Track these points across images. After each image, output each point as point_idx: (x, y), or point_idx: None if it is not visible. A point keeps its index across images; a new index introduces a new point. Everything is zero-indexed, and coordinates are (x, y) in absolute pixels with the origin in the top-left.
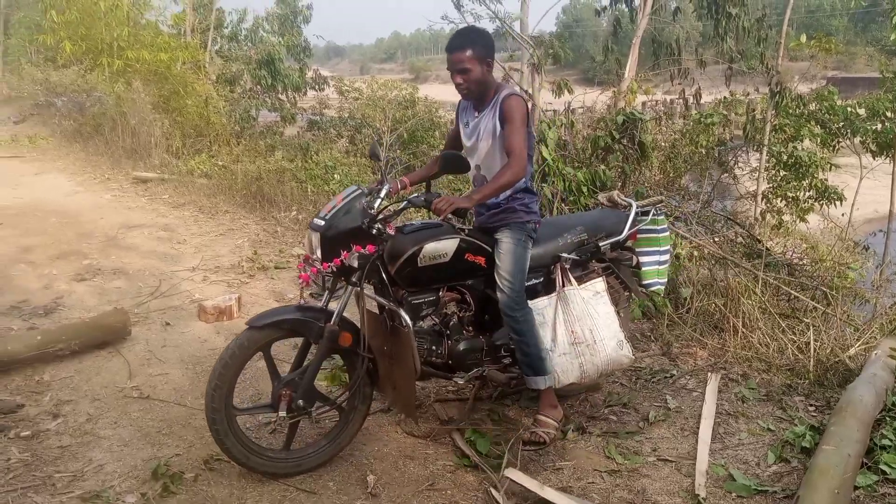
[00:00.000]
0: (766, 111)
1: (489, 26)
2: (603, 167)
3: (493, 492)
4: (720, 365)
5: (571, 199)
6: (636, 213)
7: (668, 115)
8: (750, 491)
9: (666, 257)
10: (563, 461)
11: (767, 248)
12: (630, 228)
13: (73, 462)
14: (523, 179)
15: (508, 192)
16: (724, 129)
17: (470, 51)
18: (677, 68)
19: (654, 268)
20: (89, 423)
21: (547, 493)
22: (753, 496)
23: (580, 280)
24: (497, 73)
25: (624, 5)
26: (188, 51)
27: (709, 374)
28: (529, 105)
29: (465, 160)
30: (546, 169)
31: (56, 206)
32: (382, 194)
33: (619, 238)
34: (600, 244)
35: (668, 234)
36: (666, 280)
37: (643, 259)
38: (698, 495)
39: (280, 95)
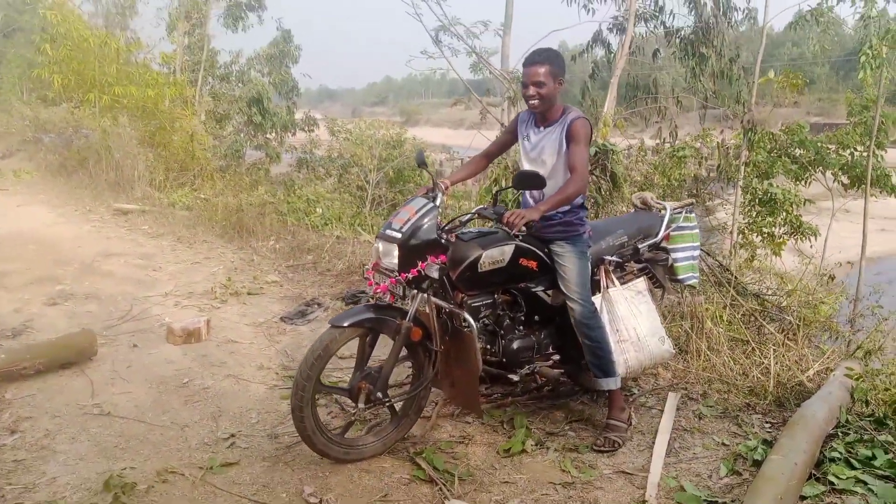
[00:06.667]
0: (740, 148)
1: (466, 61)
2: None
3: (447, 502)
4: (681, 385)
5: None
6: (670, 216)
7: (641, 148)
8: (700, 501)
9: (697, 252)
10: (518, 474)
11: (735, 276)
12: (665, 230)
13: (25, 475)
14: (581, 196)
15: (567, 207)
16: (699, 165)
17: (546, 67)
18: (654, 107)
19: (690, 262)
20: (46, 438)
21: None
22: None
23: (621, 280)
24: (475, 110)
25: (601, 48)
26: (175, 87)
27: (669, 392)
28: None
29: (541, 177)
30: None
31: (35, 235)
32: (439, 203)
33: (655, 240)
34: (639, 246)
35: (697, 231)
36: (699, 274)
37: (679, 255)
38: (646, 503)
39: (268, 135)
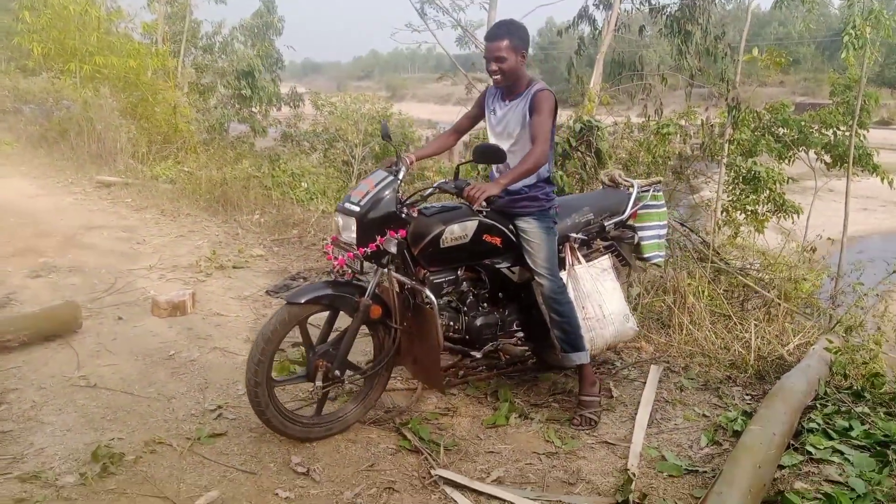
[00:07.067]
0: (724, 125)
1: (451, 34)
2: (561, 173)
3: (433, 471)
4: (664, 358)
5: None
6: (637, 193)
7: (626, 125)
8: (680, 471)
9: (664, 231)
10: (503, 444)
11: (716, 250)
12: (632, 208)
13: (13, 446)
14: (546, 168)
15: (533, 180)
16: (684, 143)
17: (507, 41)
18: (640, 85)
19: (656, 241)
20: (33, 409)
21: (478, 486)
22: (684, 476)
23: (586, 258)
24: (461, 85)
25: (587, 24)
26: (157, 58)
27: (651, 365)
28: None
29: (502, 151)
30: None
31: (15, 207)
32: (401, 177)
33: (622, 217)
34: (605, 223)
35: (665, 209)
36: (665, 252)
37: (645, 234)
38: (629, 471)
39: (253, 108)
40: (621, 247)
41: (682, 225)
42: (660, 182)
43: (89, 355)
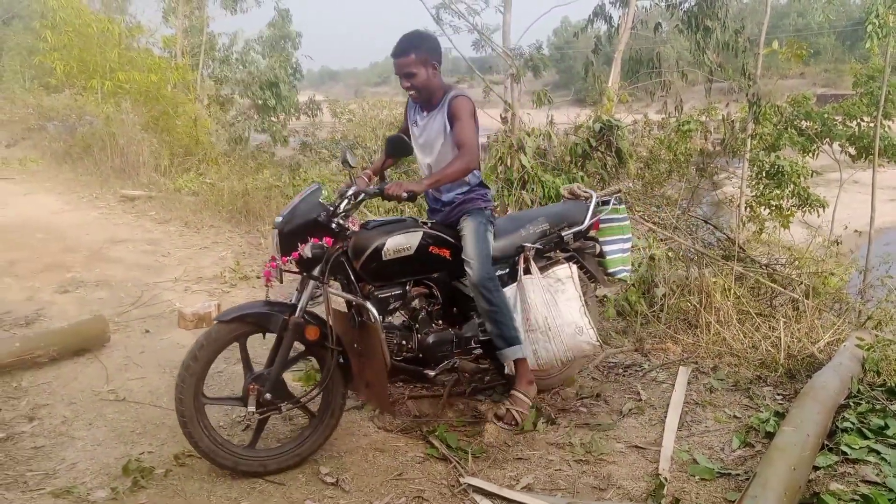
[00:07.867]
0: (746, 120)
1: (467, 38)
2: (581, 174)
3: (462, 479)
4: (692, 359)
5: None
6: (596, 203)
7: (646, 123)
8: (713, 474)
9: (628, 245)
10: (531, 451)
11: (741, 247)
12: (591, 218)
13: (46, 461)
14: (476, 173)
15: (466, 188)
16: (705, 139)
17: (413, 55)
18: (658, 82)
19: (619, 255)
20: (64, 424)
21: (508, 493)
22: (716, 479)
23: (544, 269)
24: (478, 88)
25: (603, 22)
26: (178, 72)
27: (679, 366)
28: (474, 106)
29: (409, 143)
30: (525, 176)
31: (42, 223)
32: (349, 193)
33: (580, 228)
34: (563, 234)
35: (628, 222)
36: (630, 267)
37: (608, 248)
38: (660, 475)
39: (272, 118)
40: (584, 259)
41: (705, 222)
42: (620, 191)
43: (118, 369)
